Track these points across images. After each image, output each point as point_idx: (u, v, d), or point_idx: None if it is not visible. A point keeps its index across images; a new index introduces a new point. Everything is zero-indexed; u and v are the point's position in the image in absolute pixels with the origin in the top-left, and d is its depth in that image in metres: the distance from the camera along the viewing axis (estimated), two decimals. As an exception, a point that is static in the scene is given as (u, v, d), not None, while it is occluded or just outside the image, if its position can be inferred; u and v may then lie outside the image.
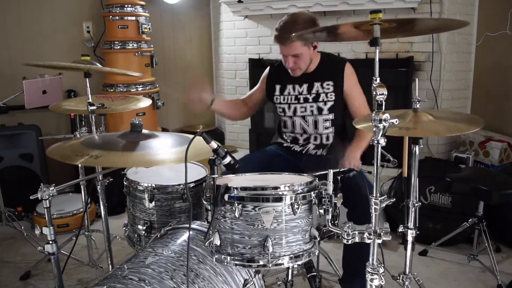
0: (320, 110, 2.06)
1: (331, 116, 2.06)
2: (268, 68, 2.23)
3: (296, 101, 2.08)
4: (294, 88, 2.09)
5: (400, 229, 1.62)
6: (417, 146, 1.57)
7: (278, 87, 2.13)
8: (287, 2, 3.47)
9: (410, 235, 1.60)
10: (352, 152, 1.91)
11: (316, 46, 2.02)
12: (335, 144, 2.11)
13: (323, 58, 2.09)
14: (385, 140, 1.22)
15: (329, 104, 2.04)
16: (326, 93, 2.04)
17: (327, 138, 2.10)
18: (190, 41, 4.32)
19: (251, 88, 3.88)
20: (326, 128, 2.08)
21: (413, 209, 1.61)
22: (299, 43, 1.92)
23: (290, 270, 1.61)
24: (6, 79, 3.19)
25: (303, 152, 2.11)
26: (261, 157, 2.18)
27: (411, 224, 1.61)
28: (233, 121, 2.34)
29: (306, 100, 2.07)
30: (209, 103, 2.07)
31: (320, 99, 2.05)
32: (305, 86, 2.06)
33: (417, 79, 1.65)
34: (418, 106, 1.58)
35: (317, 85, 2.05)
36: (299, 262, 1.29)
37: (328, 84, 2.04)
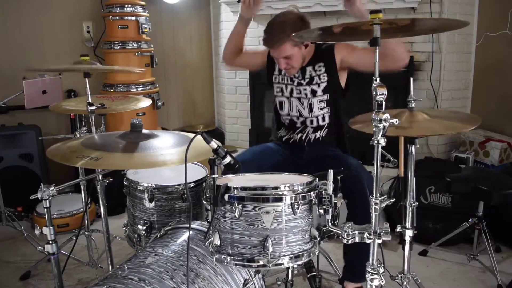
0: (314, 93, 2.06)
1: (325, 97, 2.06)
2: None
3: (291, 83, 2.09)
4: None
5: (398, 229, 1.62)
6: (413, 146, 1.57)
7: (277, 67, 2.12)
8: (287, 2, 3.46)
9: (408, 235, 1.61)
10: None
11: (308, 45, 2.00)
12: (334, 125, 2.10)
13: (317, 48, 2.08)
14: (385, 140, 1.22)
15: (323, 85, 2.04)
16: (319, 75, 2.04)
17: (323, 119, 2.09)
18: (190, 41, 4.32)
19: (251, 87, 3.93)
20: (321, 109, 2.07)
21: (410, 209, 1.61)
22: (289, 44, 1.89)
23: (290, 270, 1.61)
24: (6, 79, 3.19)
25: (303, 139, 2.10)
26: (263, 148, 2.19)
27: (408, 224, 1.62)
28: (228, 58, 2.28)
29: (299, 84, 2.07)
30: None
31: (314, 82, 2.05)
32: (299, 72, 2.07)
33: (411, 78, 1.64)
34: (413, 105, 1.58)
35: (309, 69, 2.05)
36: (299, 262, 1.29)
37: (319, 66, 2.04)
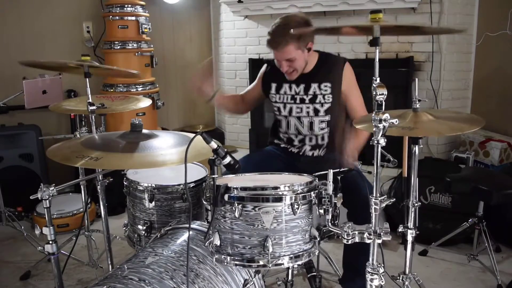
0: (316, 112, 2.04)
1: (327, 118, 2.04)
2: (265, 66, 2.19)
3: (292, 101, 2.06)
4: (290, 88, 2.06)
5: (400, 229, 1.62)
6: (416, 146, 1.57)
7: (274, 85, 2.10)
8: (287, 2, 3.47)
9: (410, 235, 1.61)
10: (351, 151, 1.89)
11: (311, 48, 1.97)
12: (332, 143, 2.10)
13: (321, 58, 2.06)
14: (385, 140, 1.22)
15: (326, 106, 2.02)
16: (324, 95, 2.01)
17: (322, 138, 2.08)
18: (190, 41, 4.32)
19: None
20: (322, 129, 2.06)
21: (413, 209, 1.61)
22: (292, 47, 1.88)
23: (290, 270, 1.61)
24: (6, 79, 3.19)
25: (300, 153, 2.10)
26: (260, 157, 2.17)
27: (411, 224, 1.62)
28: (233, 116, 2.35)
29: (302, 100, 2.04)
30: (209, 97, 2.04)
31: (317, 101, 2.02)
32: (302, 87, 2.03)
33: (417, 79, 1.65)
34: (418, 106, 1.58)
35: (314, 86, 2.02)
36: (299, 262, 1.30)
37: (326, 86, 2.01)
